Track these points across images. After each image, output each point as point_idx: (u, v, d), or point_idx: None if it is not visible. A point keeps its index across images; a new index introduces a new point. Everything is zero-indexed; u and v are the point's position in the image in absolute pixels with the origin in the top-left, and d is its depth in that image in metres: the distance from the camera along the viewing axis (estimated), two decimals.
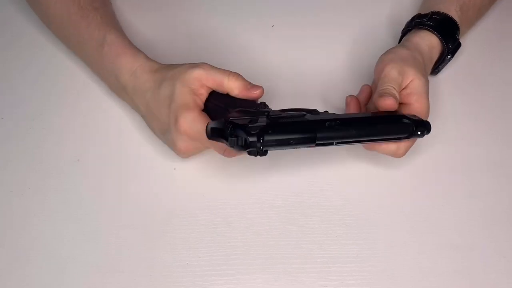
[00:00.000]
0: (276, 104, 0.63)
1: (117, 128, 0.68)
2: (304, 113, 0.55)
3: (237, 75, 0.60)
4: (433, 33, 0.67)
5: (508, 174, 0.66)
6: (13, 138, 0.67)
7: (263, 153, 0.51)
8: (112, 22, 0.69)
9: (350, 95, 0.65)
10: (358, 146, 0.62)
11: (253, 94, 0.60)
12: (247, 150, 0.50)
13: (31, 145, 0.67)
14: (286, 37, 0.78)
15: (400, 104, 0.62)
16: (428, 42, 0.67)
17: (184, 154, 0.62)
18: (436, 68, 0.71)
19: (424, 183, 0.66)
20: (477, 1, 0.73)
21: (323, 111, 0.58)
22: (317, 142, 0.52)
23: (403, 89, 0.62)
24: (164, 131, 0.62)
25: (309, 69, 0.74)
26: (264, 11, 0.80)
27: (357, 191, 0.65)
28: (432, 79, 0.73)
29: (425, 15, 0.69)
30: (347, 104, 0.65)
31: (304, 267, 0.59)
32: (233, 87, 0.59)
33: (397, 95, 0.60)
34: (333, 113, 0.58)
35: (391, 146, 0.60)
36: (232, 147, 0.50)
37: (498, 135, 0.70)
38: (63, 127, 0.68)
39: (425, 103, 0.62)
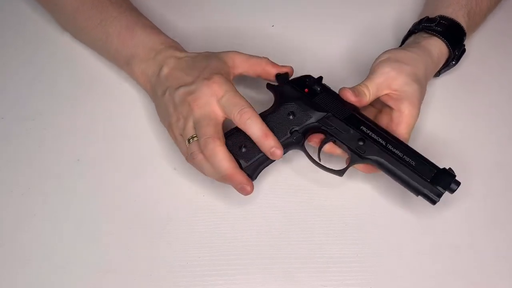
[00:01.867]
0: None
1: (117, 128, 0.68)
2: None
3: (266, 59, 0.65)
4: (442, 40, 0.67)
5: (508, 174, 0.67)
6: (13, 138, 0.67)
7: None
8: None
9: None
10: None
11: (284, 69, 0.65)
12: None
13: (31, 145, 0.67)
14: (287, 37, 0.78)
15: (389, 109, 0.63)
16: (438, 49, 0.67)
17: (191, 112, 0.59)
18: (438, 72, 0.71)
19: None
20: (483, 7, 0.72)
21: None
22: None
23: (394, 91, 0.62)
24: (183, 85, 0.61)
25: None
26: (265, 11, 0.80)
27: (357, 191, 0.65)
28: (434, 79, 0.73)
29: (433, 20, 0.68)
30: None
31: (304, 267, 0.59)
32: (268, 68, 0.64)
33: (366, 93, 0.61)
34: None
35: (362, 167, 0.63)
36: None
37: (498, 136, 0.69)
38: (63, 127, 0.68)
39: (414, 112, 0.62)
